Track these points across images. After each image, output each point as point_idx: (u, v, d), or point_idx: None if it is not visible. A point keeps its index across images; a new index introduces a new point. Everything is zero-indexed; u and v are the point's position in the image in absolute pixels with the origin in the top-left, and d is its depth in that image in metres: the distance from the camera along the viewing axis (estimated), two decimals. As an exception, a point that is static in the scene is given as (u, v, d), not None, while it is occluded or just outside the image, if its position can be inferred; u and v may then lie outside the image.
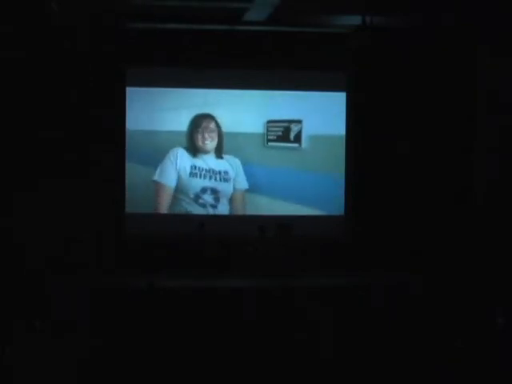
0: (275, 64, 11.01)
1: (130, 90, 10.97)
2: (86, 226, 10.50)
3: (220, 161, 10.98)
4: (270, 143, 11.11)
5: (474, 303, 8.20)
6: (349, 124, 11.32)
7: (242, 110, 11.08)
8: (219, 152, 11.00)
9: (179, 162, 10.86)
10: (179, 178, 10.87)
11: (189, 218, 11.03)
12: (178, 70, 11.06)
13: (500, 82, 10.35)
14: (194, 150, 10.94)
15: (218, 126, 10.96)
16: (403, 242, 10.77)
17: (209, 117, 11.00)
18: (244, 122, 11.07)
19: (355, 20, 9.45)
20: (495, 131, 10.45)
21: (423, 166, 11.04)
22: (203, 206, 11.00)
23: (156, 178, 10.78)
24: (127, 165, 10.94)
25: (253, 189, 11.14)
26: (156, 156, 10.95)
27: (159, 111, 11.03)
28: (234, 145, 11.04)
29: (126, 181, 11.03)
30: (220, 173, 10.97)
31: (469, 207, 10.71)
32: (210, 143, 10.95)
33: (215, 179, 10.94)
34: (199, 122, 10.98)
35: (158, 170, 10.81)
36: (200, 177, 10.91)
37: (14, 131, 10.38)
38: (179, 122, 11.02)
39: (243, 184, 11.05)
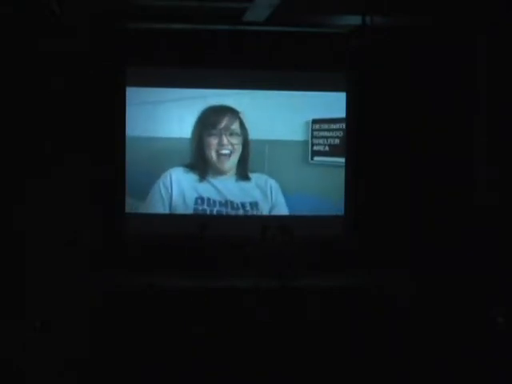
0: (275, 64, 11.01)
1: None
2: (86, 226, 10.48)
3: (244, 185, 7.23)
4: (316, 158, 7.50)
5: (474, 303, 8.20)
6: (349, 124, 11.32)
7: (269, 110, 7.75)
8: (243, 170, 7.19)
9: (175, 193, 6.88)
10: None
11: (189, 218, 11.02)
12: (178, 70, 11.08)
13: (500, 82, 10.34)
14: (202, 168, 7.07)
15: (242, 126, 7.30)
16: (403, 241, 10.76)
17: (229, 111, 7.24)
18: (272, 124, 7.70)
19: (355, 20, 9.45)
20: (495, 131, 10.45)
21: (423, 165, 11.03)
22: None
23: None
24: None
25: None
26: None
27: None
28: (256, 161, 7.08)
29: (126, 181, 11.05)
30: (245, 206, 7.14)
31: (469, 207, 10.70)
32: (229, 158, 7.16)
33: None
34: (214, 118, 7.21)
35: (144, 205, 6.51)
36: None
37: (12, 136, 10.37)
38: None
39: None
